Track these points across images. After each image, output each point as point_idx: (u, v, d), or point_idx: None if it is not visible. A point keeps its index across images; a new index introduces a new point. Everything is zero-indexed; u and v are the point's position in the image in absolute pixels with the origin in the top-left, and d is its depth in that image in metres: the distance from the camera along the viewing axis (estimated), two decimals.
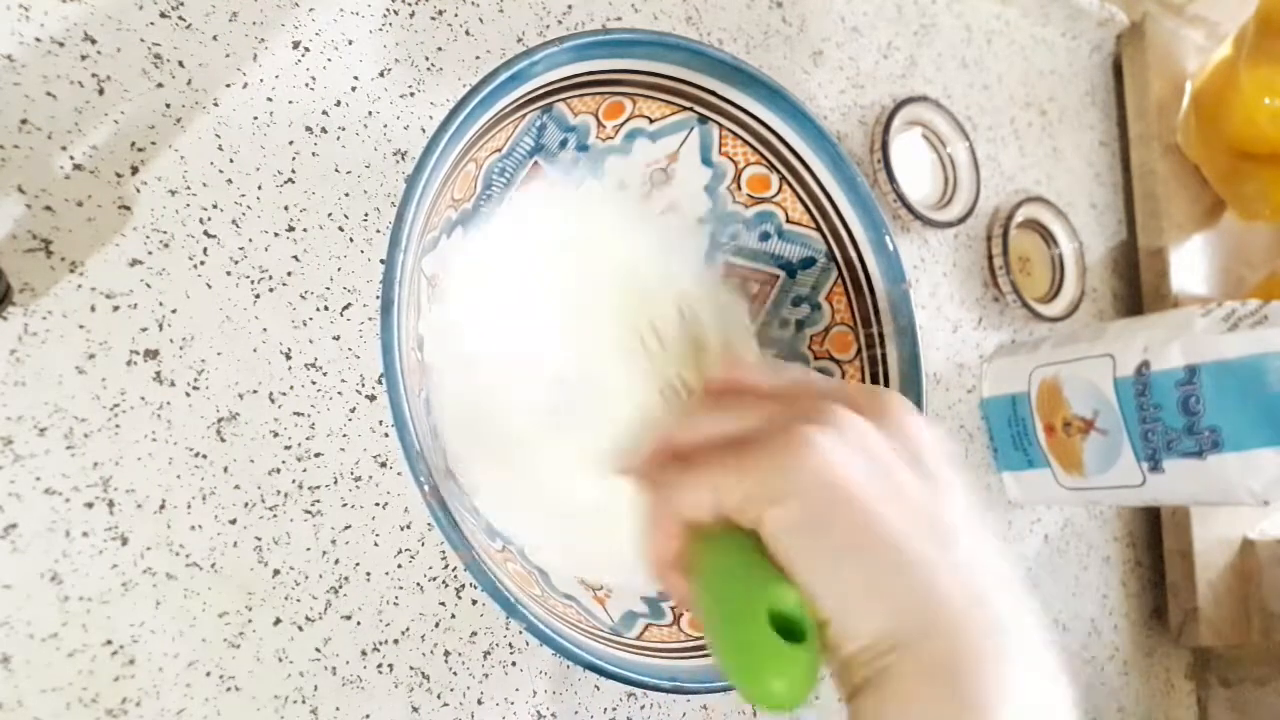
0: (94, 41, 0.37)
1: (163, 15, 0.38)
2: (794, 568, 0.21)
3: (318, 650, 0.36)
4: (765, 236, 0.46)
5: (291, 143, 0.40)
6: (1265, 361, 0.44)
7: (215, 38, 0.39)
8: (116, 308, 0.35)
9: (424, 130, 0.43)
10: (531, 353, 0.41)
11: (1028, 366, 0.57)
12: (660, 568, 0.25)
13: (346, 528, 0.38)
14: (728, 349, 0.43)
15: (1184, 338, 0.47)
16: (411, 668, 0.38)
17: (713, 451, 0.24)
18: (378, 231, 0.41)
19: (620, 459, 0.27)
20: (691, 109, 0.42)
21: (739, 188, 0.45)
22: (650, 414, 0.28)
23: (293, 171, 0.40)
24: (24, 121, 0.35)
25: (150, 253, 0.36)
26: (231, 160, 0.39)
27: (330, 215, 0.40)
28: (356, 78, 0.42)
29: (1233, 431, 0.45)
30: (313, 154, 0.40)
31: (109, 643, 0.33)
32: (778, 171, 0.44)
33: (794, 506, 0.22)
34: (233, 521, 0.36)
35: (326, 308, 0.40)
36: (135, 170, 0.37)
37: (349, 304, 0.40)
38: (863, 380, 0.44)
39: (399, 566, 0.39)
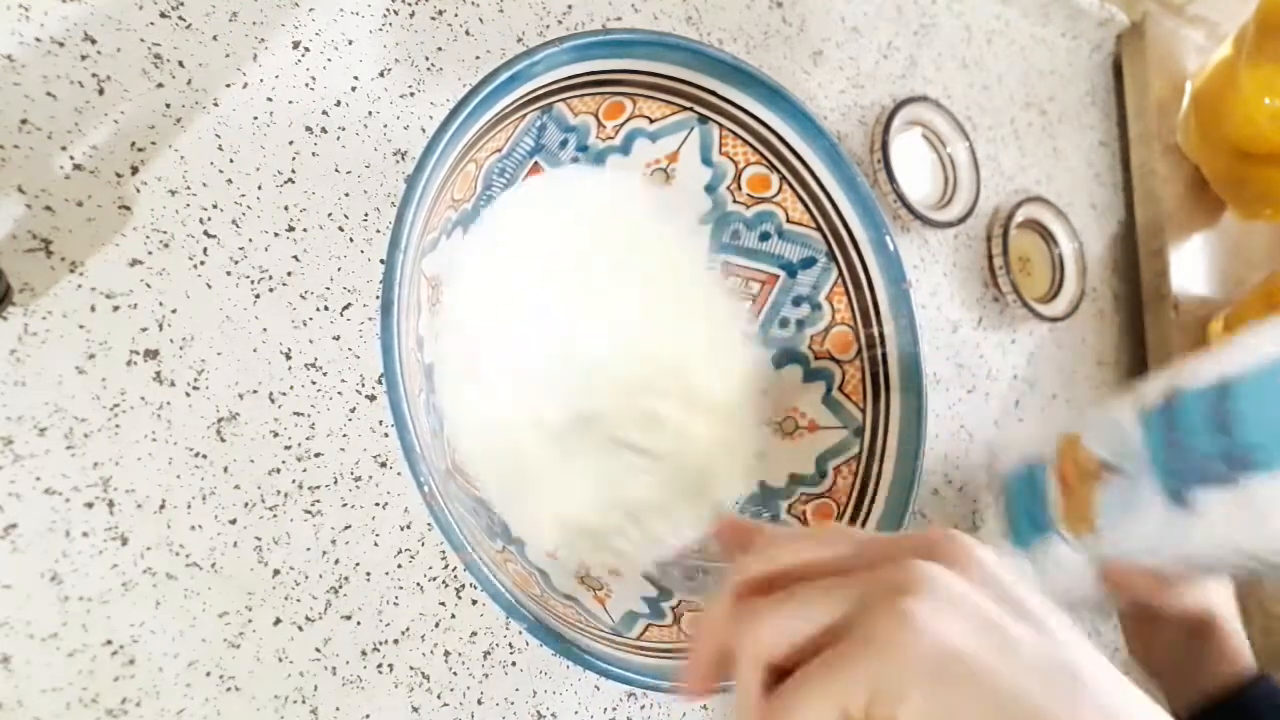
0: (94, 41, 0.37)
1: (163, 15, 0.38)
2: None
3: (318, 650, 0.36)
4: (765, 236, 0.46)
5: (291, 143, 0.40)
6: None
7: (215, 38, 0.39)
8: (116, 308, 0.35)
9: (424, 130, 0.43)
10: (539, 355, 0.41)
11: (1052, 430, 0.49)
12: None
13: (346, 528, 0.38)
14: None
15: (1220, 352, 0.40)
16: (411, 668, 0.38)
17: (807, 653, 0.22)
18: (378, 231, 0.41)
19: (693, 681, 0.25)
20: (691, 109, 0.42)
21: (739, 188, 0.45)
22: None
23: (293, 171, 0.40)
24: (24, 121, 0.35)
25: (150, 253, 0.36)
26: (231, 160, 0.39)
27: (330, 215, 0.40)
28: (356, 78, 0.42)
29: (1277, 446, 0.38)
30: (313, 154, 0.40)
31: (109, 643, 0.33)
32: (778, 171, 0.44)
33: (921, 696, 0.20)
34: (233, 521, 0.36)
35: (326, 308, 0.40)
36: (135, 170, 0.37)
37: (349, 304, 0.40)
38: (863, 379, 0.44)
39: (399, 566, 0.39)
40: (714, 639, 0.24)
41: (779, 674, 0.22)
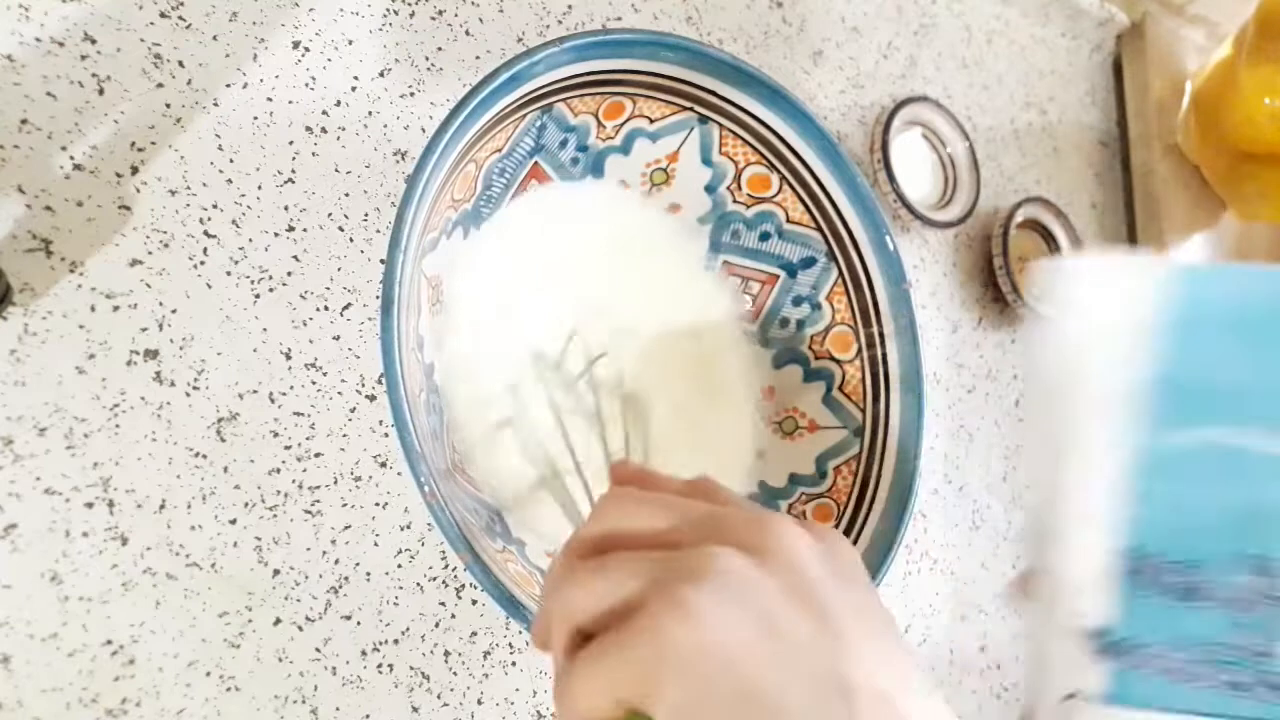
0: (94, 41, 0.37)
1: (163, 15, 0.38)
2: None
3: (318, 650, 0.36)
4: (765, 236, 0.46)
5: (291, 143, 0.40)
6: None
7: (215, 38, 0.39)
8: (116, 308, 0.35)
9: (424, 130, 0.43)
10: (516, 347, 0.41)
11: None
12: None
13: (346, 528, 0.38)
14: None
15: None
16: (411, 668, 0.38)
17: (603, 625, 0.21)
18: (378, 231, 0.41)
19: (537, 637, 0.24)
20: (691, 109, 0.42)
21: (739, 188, 0.45)
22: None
23: (293, 171, 0.40)
24: (24, 121, 0.35)
25: (150, 253, 0.36)
26: (231, 160, 0.39)
27: (330, 215, 0.40)
28: (356, 78, 0.42)
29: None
30: (313, 154, 0.40)
31: (109, 643, 0.33)
32: (778, 171, 0.44)
33: (676, 690, 0.19)
34: (233, 521, 0.36)
35: (326, 308, 0.40)
36: (135, 170, 0.37)
37: (349, 304, 0.40)
38: (863, 379, 0.44)
39: (399, 566, 0.39)
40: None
41: (587, 638, 0.22)
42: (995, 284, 0.63)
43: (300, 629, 0.36)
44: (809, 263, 0.45)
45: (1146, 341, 0.26)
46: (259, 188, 0.39)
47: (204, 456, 0.36)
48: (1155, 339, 0.26)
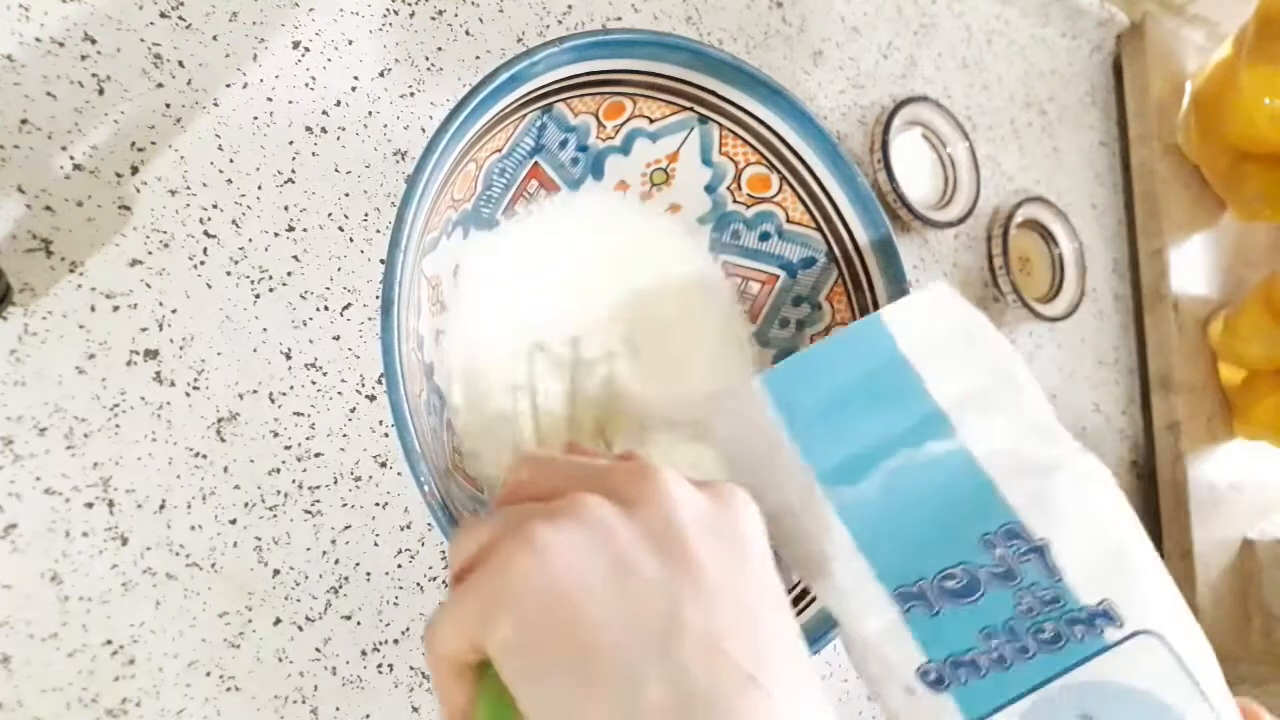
0: (94, 41, 0.37)
1: (163, 15, 0.38)
2: (514, 692, 0.19)
3: (318, 650, 0.36)
4: (765, 236, 0.46)
5: (291, 143, 0.40)
6: None
7: (215, 38, 0.39)
8: (116, 308, 0.35)
9: (424, 130, 0.43)
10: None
11: None
12: (455, 715, 0.22)
13: (346, 528, 0.38)
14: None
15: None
16: (411, 668, 0.38)
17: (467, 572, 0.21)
18: (378, 231, 0.41)
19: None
20: (691, 109, 0.42)
21: (739, 188, 0.45)
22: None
23: (293, 171, 0.40)
24: (24, 121, 0.35)
25: (150, 253, 0.36)
26: (231, 160, 0.39)
27: (330, 215, 0.40)
28: (356, 78, 0.42)
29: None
30: (313, 154, 0.40)
31: (109, 643, 0.33)
32: (778, 171, 0.44)
33: (508, 623, 0.19)
34: (233, 521, 0.36)
35: (326, 308, 0.40)
36: (135, 170, 0.37)
37: (349, 304, 0.40)
38: None
39: (399, 566, 0.39)
40: None
41: None
42: (995, 284, 0.63)
43: (300, 629, 0.36)
44: (809, 263, 0.45)
45: (782, 440, 0.28)
46: (259, 188, 0.39)
47: (204, 456, 0.36)
48: (789, 431, 0.28)
